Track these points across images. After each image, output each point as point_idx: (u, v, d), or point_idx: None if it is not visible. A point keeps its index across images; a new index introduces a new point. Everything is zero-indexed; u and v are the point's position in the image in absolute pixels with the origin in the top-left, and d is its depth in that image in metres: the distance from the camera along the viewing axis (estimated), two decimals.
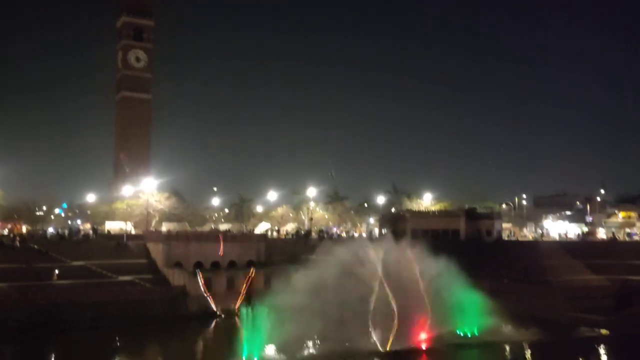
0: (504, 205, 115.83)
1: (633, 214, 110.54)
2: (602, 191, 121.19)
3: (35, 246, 63.87)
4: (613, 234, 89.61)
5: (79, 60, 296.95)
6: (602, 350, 43.88)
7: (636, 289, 53.64)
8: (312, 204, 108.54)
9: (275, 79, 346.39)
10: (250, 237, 74.97)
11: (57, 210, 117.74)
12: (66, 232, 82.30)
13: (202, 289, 58.70)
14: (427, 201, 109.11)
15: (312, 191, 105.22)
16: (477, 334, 44.26)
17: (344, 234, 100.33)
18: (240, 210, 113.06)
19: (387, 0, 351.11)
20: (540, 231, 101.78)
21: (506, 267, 64.00)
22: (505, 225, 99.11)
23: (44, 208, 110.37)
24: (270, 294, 45.40)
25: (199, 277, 59.23)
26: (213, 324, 53.30)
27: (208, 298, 58.01)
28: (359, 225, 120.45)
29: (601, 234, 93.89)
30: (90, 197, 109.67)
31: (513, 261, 65.36)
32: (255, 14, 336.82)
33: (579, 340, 47.17)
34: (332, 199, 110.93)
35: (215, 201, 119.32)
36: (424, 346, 40.98)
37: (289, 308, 38.97)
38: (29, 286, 52.32)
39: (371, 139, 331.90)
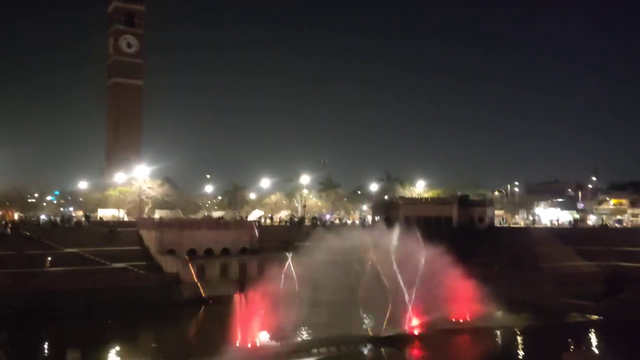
0: (496, 193, 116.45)
1: (624, 201, 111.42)
2: (594, 178, 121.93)
3: (28, 233, 63.65)
4: (602, 220, 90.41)
5: (70, 46, 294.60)
6: (592, 335, 44.38)
7: (626, 275, 54.32)
8: (305, 191, 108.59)
9: (268, 68, 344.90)
10: (243, 224, 74.97)
11: (49, 197, 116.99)
12: (58, 219, 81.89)
13: (194, 278, 58.73)
14: (420, 188, 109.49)
15: (305, 178, 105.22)
16: (468, 319, 44.62)
17: (337, 221, 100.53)
18: (234, 197, 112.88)
19: None
20: (531, 218, 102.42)
21: (498, 253, 64.53)
22: (497, 212, 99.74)
23: (36, 195, 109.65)
24: (264, 280, 45.56)
25: (189, 267, 59.12)
26: (206, 310, 53.39)
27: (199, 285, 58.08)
28: (352, 212, 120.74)
29: (592, 220, 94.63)
30: (82, 184, 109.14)
31: (505, 248, 65.86)
32: (248, 2, 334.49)
33: (570, 325, 47.67)
34: (325, 186, 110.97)
35: (209, 188, 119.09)
36: (416, 332, 41.30)
37: (283, 294, 39.14)
38: (22, 273, 52.23)
39: (364, 127, 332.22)
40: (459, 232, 76.00)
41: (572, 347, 38.94)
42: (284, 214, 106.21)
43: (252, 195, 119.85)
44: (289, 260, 57.56)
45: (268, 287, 40.04)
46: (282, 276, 49.73)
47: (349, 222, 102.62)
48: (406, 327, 41.35)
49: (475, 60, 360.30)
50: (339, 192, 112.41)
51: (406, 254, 43.42)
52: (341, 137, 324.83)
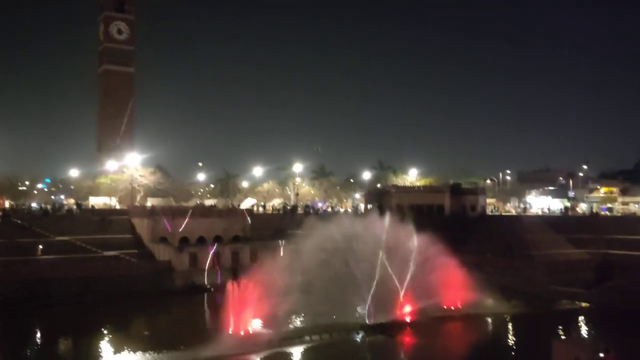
0: (488, 181, 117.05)
1: (615, 189, 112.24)
2: (585, 167, 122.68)
3: (19, 221, 63.25)
4: (591, 208, 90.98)
5: (60, 33, 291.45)
6: (582, 323, 44.82)
7: (616, 263, 54.75)
8: (298, 180, 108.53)
9: (261, 57, 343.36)
10: (236, 212, 74.89)
11: (40, 185, 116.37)
12: (49, 207, 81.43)
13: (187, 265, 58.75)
14: (412, 177, 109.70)
15: (298, 167, 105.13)
16: (460, 307, 44.91)
17: (329, 209, 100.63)
18: (226, 185, 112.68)
19: None
20: (523, 206, 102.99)
21: (489, 241, 64.85)
22: (489, 200, 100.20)
23: (27, 183, 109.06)
24: (257, 268, 45.56)
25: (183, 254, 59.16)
26: (199, 298, 53.42)
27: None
28: (344, 200, 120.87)
29: (583, 209, 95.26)
30: (74, 172, 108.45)
31: (496, 236, 66.19)
32: None
33: (560, 312, 48.10)
34: (318, 174, 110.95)
35: (201, 176, 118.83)
36: (408, 319, 41.54)
37: (276, 282, 39.17)
38: (13, 261, 51.97)
39: (358, 116, 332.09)
40: (451, 220, 76.30)
41: (562, 334, 39.32)
42: (276, 202, 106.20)
43: (245, 184, 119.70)
44: (282, 248, 57.72)
45: (261, 275, 40.03)
46: (275, 264, 49.83)
47: (342, 210, 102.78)
48: (398, 315, 41.59)
49: (467, 50, 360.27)
50: (331, 180, 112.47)
51: (398, 242, 43.56)
52: (334, 125, 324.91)
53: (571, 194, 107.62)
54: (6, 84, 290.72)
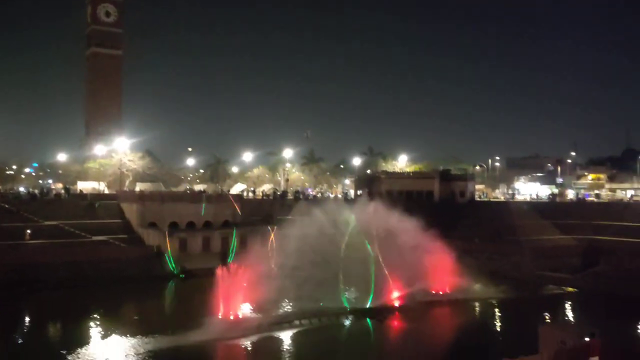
0: (477, 167, 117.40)
1: (602, 176, 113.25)
2: (573, 153, 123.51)
3: (6, 206, 62.70)
4: (577, 194, 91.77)
5: (48, 15, 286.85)
6: (568, 307, 45.46)
7: (602, 249, 55.43)
8: (288, 165, 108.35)
9: (251, 43, 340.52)
10: (225, 197, 74.72)
11: (27, 170, 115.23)
12: (37, 191, 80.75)
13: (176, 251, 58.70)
14: (402, 163, 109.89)
15: (288, 152, 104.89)
16: (448, 292, 45.33)
17: (319, 195, 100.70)
18: (216, 170, 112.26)
19: None
20: (511, 192, 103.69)
21: (478, 227, 65.34)
22: (478, 186, 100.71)
23: (14, 167, 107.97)
24: (246, 253, 45.64)
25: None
26: (189, 283, 53.47)
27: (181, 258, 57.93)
28: (334, 186, 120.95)
29: (570, 195, 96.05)
30: (62, 157, 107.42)
31: (485, 221, 66.69)
32: None
33: (547, 297, 48.72)
34: (308, 160, 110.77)
35: (190, 161, 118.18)
36: (396, 303, 41.88)
37: (265, 267, 39.29)
38: (1, 246, 51.61)
39: (348, 101, 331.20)
40: (440, 206, 76.66)
41: (548, 318, 39.86)
42: (266, 188, 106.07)
43: (235, 169, 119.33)
44: (272, 233, 57.76)
45: (250, 260, 40.13)
46: (265, 249, 49.90)
47: (332, 196, 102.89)
48: (386, 299, 41.91)
49: (457, 37, 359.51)
50: (321, 166, 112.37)
51: (387, 227, 43.74)
52: (324, 111, 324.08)
53: (559, 180, 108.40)
54: None
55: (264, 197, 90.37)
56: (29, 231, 56.14)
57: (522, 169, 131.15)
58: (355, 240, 42.73)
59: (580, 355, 19.48)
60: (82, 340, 33.60)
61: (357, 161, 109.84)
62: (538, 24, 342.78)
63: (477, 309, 43.98)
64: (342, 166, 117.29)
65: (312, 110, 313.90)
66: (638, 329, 37.07)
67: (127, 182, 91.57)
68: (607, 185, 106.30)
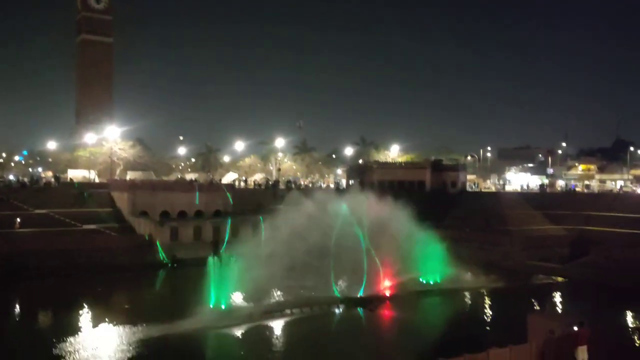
0: (469, 157, 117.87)
1: (592, 167, 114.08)
2: (564, 144, 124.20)
3: None
4: (570, 185, 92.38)
5: (37, 1, 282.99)
6: (557, 296, 45.85)
7: (592, 239, 55.90)
8: (280, 155, 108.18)
9: (244, 32, 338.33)
10: (217, 186, 74.53)
11: (17, 158, 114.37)
12: (26, 180, 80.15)
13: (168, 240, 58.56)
14: (394, 153, 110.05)
15: (280, 142, 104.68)
16: (438, 281, 45.58)
17: (312, 185, 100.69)
18: (207, 159, 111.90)
19: None
20: (502, 182, 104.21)
21: (469, 217, 65.71)
22: (469, 176, 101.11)
23: (4, 155, 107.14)
24: (238, 243, 45.56)
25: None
26: (180, 272, 53.41)
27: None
28: (326, 176, 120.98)
29: (561, 185, 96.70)
30: (51, 145, 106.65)
31: (475, 211, 67.05)
32: None
33: (536, 287, 49.08)
34: (300, 149, 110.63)
35: (182, 150, 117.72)
36: (387, 293, 42.08)
37: (257, 257, 39.27)
38: None
39: (340, 91, 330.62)
40: (431, 196, 76.93)
41: (537, 307, 40.19)
42: (258, 177, 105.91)
43: (226, 158, 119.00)
44: (263, 223, 57.69)
45: (242, 249, 40.10)
46: (256, 238, 49.86)
47: (324, 185, 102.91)
48: (378, 289, 42.09)
49: (450, 26, 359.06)
50: (313, 155, 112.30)
51: (379, 217, 43.84)
52: (317, 100, 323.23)
53: (550, 171, 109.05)
54: None
55: (256, 187, 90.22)
56: (18, 220, 55.81)
57: (513, 159, 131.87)
58: (346, 229, 42.77)
59: (569, 344, 19.68)
60: (73, 329, 33.51)
61: (349, 151, 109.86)
62: (531, 14, 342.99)
63: (468, 298, 44.26)
64: (334, 156, 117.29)
65: (304, 99, 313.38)
66: (626, 318, 37.48)
67: (117, 171, 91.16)
68: (597, 176, 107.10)
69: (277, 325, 34.71)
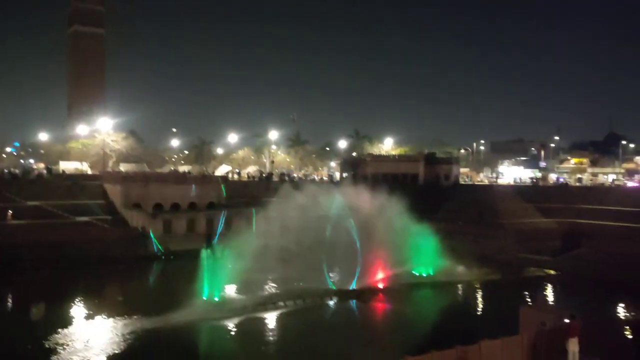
0: (462, 150, 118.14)
1: (585, 160, 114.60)
2: (557, 137, 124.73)
3: None
4: (557, 178, 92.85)
5: None
6: (548, 289, 46.20)
7: (583, 232, 56.25)
8: (273, 147, 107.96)
9: (238, 23, 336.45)
10: (210, 179, 74.31)
11: (8, 149, 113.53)
12: (18, 171, 79.60)
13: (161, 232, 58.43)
14: (388, 145, 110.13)
15: (273, 134, 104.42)
16: (431, 273, 45.78)
17: (305, 178, 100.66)
18: (201, 152, 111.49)
19: None
20: (495, 176, 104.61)
21: (462, 210, 65.95)
22: (462, 169, 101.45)
23: None
24: (231, 235, 45.53)
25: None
26: (173, 264, 53.37)
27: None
28: (320, 169, 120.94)
29: (553, 179, 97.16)
30: (43, 136, 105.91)
31: (468, 204, 67.28)
32: None
33: (528, 279, 49.42)
34: (293, 142, 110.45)
35: (175, 142, 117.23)
36: (380, 285, 42.23)
37: (250, 249, 39.28)
38: None
39: (334, 84, 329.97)
40: (424, 189, 77.11)
41: (528, 300, 40.48)
42: (251, 170, 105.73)
43: (220, 150, 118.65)
44: (256, 215, 57.67)
45: (235, 242, 40.09)
46: (250, 231, 49.84)
47: (317, 178, 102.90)
48: (371, 281, 42.23)
49: (444, 22, 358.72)
50: (307, 148, 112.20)
51: (372, 210, 43.92)
52: (311, 93, 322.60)
53: (542, 164, 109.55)
54: None
55: (250, 179, 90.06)
56: (10, 211, 55.46)
57: (506, 152, 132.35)
58: (340, 222, 42.85)
59: (560, 336, 19.83)
60: (66, 321, 33.45)
61: (343, 144, 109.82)
62: (524, 10, 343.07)
63: (460, 290, 44.51)
64: (327, 149, 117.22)
65: (298, 92, 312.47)
66: (617, 310, 37.82)
67: (110, 163, 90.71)
68: (590, 170, 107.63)
69: (271, 317, 34.79)
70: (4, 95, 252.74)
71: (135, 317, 33.28)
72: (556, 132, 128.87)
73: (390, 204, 45.30)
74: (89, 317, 34.92)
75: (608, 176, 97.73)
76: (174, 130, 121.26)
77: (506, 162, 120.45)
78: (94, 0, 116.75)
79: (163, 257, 55.15)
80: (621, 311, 37.67)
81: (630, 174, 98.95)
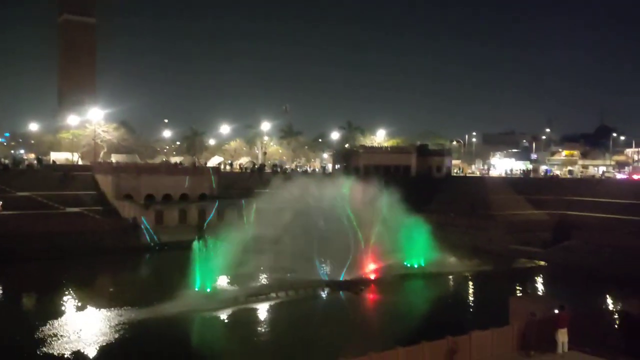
0: (454, 142, 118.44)
1: (575, 153, 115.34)
2: (548, 130, 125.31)
3: None
4: (549, 172, 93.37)
5: None
6: (538, 280, 46.58)
7: (573, 223, 56.71)
8: (266, 138, 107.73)
9: (229, 14, 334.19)
10: (202, 170, 74.09)
11: None
12: (8, 162, 78.96)
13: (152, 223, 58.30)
14: (380, 137, 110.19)
15: (266, 125, 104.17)
16: (423, 265, 45.99)
17: (298, 169, 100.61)
18: (192, 143, 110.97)
19: None
20: (487, 167, 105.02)
21: (453, 201, 66.25)
22: (454, 161, 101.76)
23: None
24: (224, 226, 45.49)
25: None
26: (165, 256, 53.31)
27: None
28: (313, 160, 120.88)
29: (544, 171, 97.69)
30: (34, 126, 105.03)
31: (460, 196, 67.58)
32: None
33: (518, 270, 49.78)
34: (286, 133, 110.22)
35: (167, 133, 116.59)
36: (372, 276, 42.40)
37: (242, 240, 39.31)
38: None
39: (327, 75, 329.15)
40: (416, 180, 77.34)
41: (518, 290, 40.82)
42: (244, 161, 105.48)
43: (212, 141, 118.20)
44: (249, 206, 57.68)
45: (227, 233, 40.07)
46: (242, 222, 49.85)
47: (310, 170, 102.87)
48: (362, 272, 42.38)
49: (435, 13, 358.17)
50: (300, 139, 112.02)
51: (364, 201, 44.04)
52: (303, 84, 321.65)
53: (533, 156, 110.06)
54: None
55: (242, 170, 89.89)
56: (0, 202, 55.12)
57: (497, 145, 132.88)
58: (332, 213, 42.92)
59: (549, 327, 20.04)
60: (57, 312, 33.37)
61: (335, 135, 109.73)
62: (514, 1, 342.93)
63: (451, 282, 44.78)
64: (320, 140, 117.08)
65: (291, 83, 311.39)
66: (606, 302, 38.21)
67: (101, 154, 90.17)
68: (580, 162, 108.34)
69: (262, 309, 34.87)
70: None
71: (126, 308, 33.25)
72: (547, 125, 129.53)
73: (382, 195, 45.40)
74: (80, 308, 34.83)
75: (598, 168, 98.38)
76: (166, 121, 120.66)
77: (498, 154, 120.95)
78: None
79: (157, 248, 55.01)
80: (610, 302, 38.07)
81: (620, 166, 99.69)
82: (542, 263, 51.25)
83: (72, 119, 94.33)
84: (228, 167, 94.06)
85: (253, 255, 40.10)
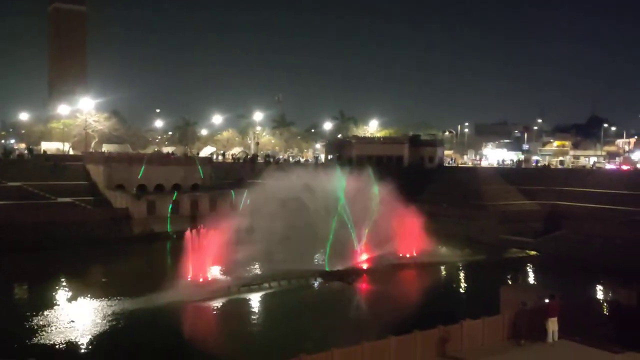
0: (446, 133, 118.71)
1: (567, 143, 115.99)
2: (540, 120, 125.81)
3: None
4: (537, 162, 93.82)
5: None
6: (529, 269, 46.93)
7: (564, 213, 57.10)
8: (258, 129, 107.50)
9: (222, 4, 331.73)
10: (194, 160, 73.78)
11: None
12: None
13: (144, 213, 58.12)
14: (373, 127, 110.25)
15: (258, 115, 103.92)
16: (414, 255, 46.18)
17: (290, 159, 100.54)
18: (185, 133, 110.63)
19: None
20: (479, 158, 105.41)
21: (446, 192, 66.44)
22: (447, 152, 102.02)
23: None
24: (216, 216, 45.42)
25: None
26: (157, 246, 53.20)
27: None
28: (305, 150, 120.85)
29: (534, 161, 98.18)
30: (24, 116, 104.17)
31: (452, 186, 67.79)
32: None
33: (509, 260, 50.10)
34: (278, 123, 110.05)
35: (159, 123, 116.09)
36: (364, 266, 42.56)
37: (235, 230, 39.28)
38: None
39: (320, 66, 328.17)
40: (409, 171, 77.47)
41: (510, 280, 41.11)
42: (236, 151, 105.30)
43: (204, 132, 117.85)
44: (241, 196, 57.65)
45: (220, 223, 40.01)
46: (234, 212, 49.76)
47: (302, 160, 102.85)
48: (355, 262, 42.53)
49: (428, 6, 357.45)
50: (292, 130, 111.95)
51: (356, 192, 44.06)
52: (296, 74, 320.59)
53: (525, 147, 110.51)
54: None
55: (234, 161, 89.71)
56: None
57: (490, 135, 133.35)
58: (325, 203, 42.97)
59: (540, 316, 20.24)
60: (49, 302, 33.28)
61: (328, 126, 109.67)
62: None
63: (443, 271, 45.01)
64: (313, 130, 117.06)
65: (283, 74, 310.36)
66: (596, 291, 38.56)
67: (92, 144, 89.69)
68: (572, 152, 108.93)
69: (255, 298, 34.94)
70: None
71: (119, 298, 33.22)
72: (540, 115, 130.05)
73: (375, 185, 45.47)
74: (72, 298, 34.75)
75: (589, 159, 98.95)
76: (158, 111, 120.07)
77: (490, 145, 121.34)
78: None
79: (148, 239, 54.86)
80: (600, 292, 38.43)
81: (611, 156, 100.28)
82: (533, 253, 51.59)
83: (62, 109, 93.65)
84: (220, 158, 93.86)
85: (246, 245, 40.06)
